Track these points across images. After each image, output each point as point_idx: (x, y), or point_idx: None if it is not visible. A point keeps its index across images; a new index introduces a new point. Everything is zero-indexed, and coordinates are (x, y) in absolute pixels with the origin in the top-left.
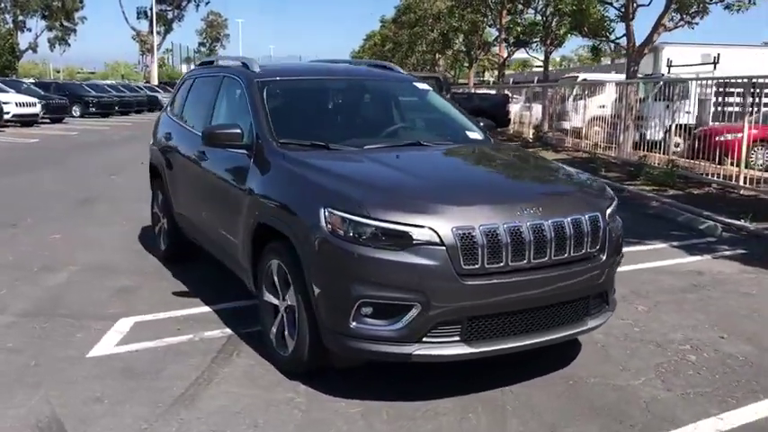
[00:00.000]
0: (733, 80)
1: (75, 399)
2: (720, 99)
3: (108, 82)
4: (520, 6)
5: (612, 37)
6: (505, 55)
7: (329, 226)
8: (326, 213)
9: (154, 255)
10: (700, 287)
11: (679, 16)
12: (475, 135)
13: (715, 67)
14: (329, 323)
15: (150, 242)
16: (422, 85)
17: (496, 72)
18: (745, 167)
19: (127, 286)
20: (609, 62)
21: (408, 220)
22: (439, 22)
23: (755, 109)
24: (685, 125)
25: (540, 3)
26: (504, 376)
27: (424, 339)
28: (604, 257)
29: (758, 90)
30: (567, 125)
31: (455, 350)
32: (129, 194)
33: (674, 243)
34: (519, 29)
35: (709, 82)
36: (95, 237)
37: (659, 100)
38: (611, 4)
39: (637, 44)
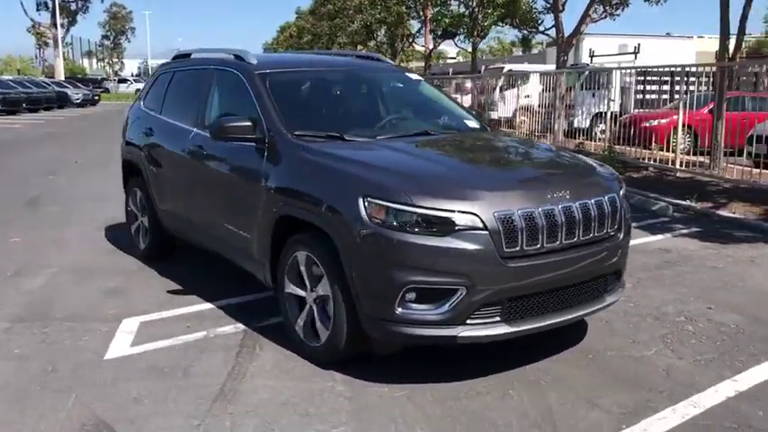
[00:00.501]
0: (652, 69)
1: (113, 401)
2: (642, 87)
3: (7, 77)
4: None
5: (542, 28)
6: (431, 46)
7: (370, 215)
8: (366, 203)
9: (129, 254)
10: (672, 263)
11: (602, 8)
12: (473, 123)
13: (636, 57)
14: (373, 310)
15: (122, 241)
16: (414, 76)
17: (422, 64)
18: (671, 151)
19: (115, 287)
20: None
21: (451, 207)
22: (361, 14)
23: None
24: (609, 112)
25: None
26: (527, 354)
27: (468, 321)
28: (621, 237)
29: (678, 78)
30: (495, 115)
31: (497, 330)
32: (75, 194)
33: (634, 224)
34: (447, 20)
35: (632, 71)
36: (58, 238)
37: (585, 89)
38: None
39: (565, 35)
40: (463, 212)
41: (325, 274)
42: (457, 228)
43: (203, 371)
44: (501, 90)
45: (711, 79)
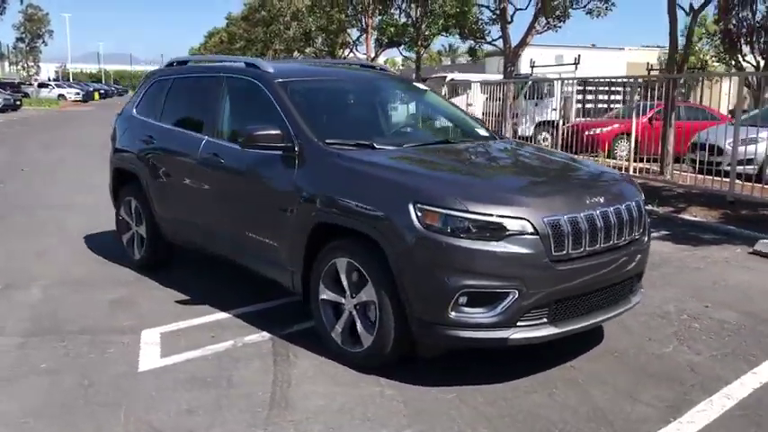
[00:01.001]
0: (593, 80)
1: (166, 413)
2: (582, 97)
3: None
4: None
5: (488, 39)
6: (373, 54)
7: (422, 221)
8: (416, 209)
9: (121, 264)
10: (654, 265)
11: (545, 20)
12: (483, 132)
13: (576, 68)
14: (424, 315)
15: (107, 251)
16: (421, 85)
17: None
18: (611, 158)
19: (119, 298)
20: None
21: (503, 212)
22: (298, 21)
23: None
24: (552, 121)
25: (408, 4)
26: (556, 355)
27: (519, 324)
28: (645, 240)
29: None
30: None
31: (545, 331)
32: (33, 204)
33: None
34: (392, 29)
35: (573, 81)
36: (37, 250)
37: (528, 98)
38: (488, 7)
39: (512, 46)
40: (515, 218)
41: (369, 280)
42: (509, 233)
43: (246, 379)
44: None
45: (649, 90)
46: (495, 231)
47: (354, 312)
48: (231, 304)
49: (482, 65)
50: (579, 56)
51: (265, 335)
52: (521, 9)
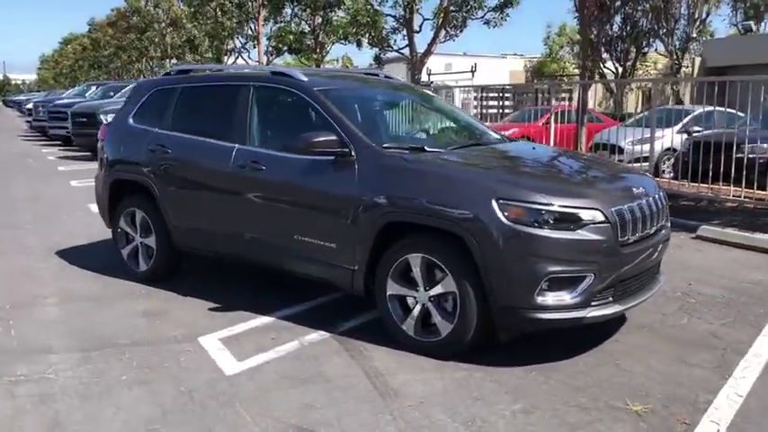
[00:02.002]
0: (490, 87)
1: (288, 409)
2: (480, 103)
3: None
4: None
5: (395, 47)
6: (265, 61)
7: (506, 215)
8: (500, 205)
9: (120, 277)
10: None
11: (444, 31)
12: (495, 134)
13: (473, 76)
14: (511, 301)
15: (95, 265)
16: (429, 91)
17: None
18: None
19: (148, 310)
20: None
21: (579, 204)
22: (174, 27)
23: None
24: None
25: (306, 12)
26: (596, 332)
27: (592, 303)
28: (669, 226)
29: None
30: None
31: (611, 309)
32: None
33: None
34: (291, 37)
35: (470, 88)
36: (16, 269)
37: None
38: (394, 17)
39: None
40: (589, 209)
41: (449, 273)
42: (584, 222)
43: (338, 374)
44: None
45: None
46: (574, 221)
47: (429, 304)
48: (266, 308)
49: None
50: (475, 64)
51: (323, 333)
52: (428, 19)
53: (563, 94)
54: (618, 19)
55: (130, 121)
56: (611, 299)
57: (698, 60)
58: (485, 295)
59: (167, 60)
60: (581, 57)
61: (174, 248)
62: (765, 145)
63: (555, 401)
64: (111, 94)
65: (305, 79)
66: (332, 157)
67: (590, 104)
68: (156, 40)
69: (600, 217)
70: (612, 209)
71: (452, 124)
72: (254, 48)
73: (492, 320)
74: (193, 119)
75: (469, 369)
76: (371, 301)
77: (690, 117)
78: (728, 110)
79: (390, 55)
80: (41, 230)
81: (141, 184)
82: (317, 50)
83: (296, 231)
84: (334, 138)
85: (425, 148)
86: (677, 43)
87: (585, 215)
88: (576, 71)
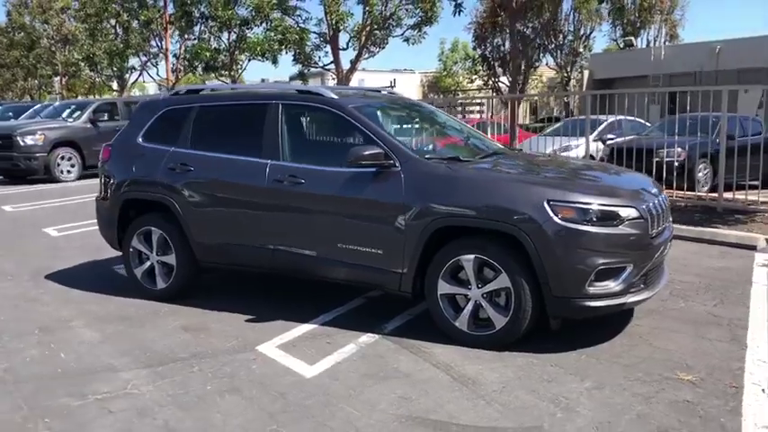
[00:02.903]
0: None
1: (388, 402)
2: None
3: None
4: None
5: (321, 64)
6: (173, 79)
7: (559, 215)
8: (551, 206)
9: (132, 297)
10: None
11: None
12: (498, 144)
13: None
14: (565, 292)
15: (98, 287)
16: (431, 106)
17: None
18: None
19: (185, 326)
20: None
21: (618, 203)
22: (70, 45)
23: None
24: None
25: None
26: (613, 319)
27: (630, 290)
28: (671, 221)
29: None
30: None
31: (644, 295)
32: None
33: None
34: (208, 54)
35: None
36: (16, 294)
37: None
38: (319, 34)
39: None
40: (627, 207)
41: (503, 271)
42: (624, 219)
43: (412, 369)
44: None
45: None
46: (615, 218)
47: (482, 301)
48: (302, 316)
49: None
50: (394, 80)
51: (372, 335)
52: (353, 38)
53: (475, 107)
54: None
55: (140, 140)
56: (642, 286)
57: (586, 73)
58: (539, 288)
59: (58, 78)
60: (510, 73)
61: (194, 265)
62: (679, 149)
63: (616, 378)
64: (10, 114)
65: (336, 97)
66: (373, 169)
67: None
68: (45, 57)
69: (635, 213)
70: (643, 206)
71: (465, 135)
72: (157, 65)
73: (542, 311)
74: (216, 137)
75: (526, 357)
76: (417, 301)
77: (603, 125)
78: (637, 119)
79: (313, 70)
80: (10, 257)
81: (159, 203)
82: (232, 67)
83: (340, 240)
84: (380, 151)
85: (460, 157)
86: (566, 58)
87: (624, 212)
88: (471, 85)
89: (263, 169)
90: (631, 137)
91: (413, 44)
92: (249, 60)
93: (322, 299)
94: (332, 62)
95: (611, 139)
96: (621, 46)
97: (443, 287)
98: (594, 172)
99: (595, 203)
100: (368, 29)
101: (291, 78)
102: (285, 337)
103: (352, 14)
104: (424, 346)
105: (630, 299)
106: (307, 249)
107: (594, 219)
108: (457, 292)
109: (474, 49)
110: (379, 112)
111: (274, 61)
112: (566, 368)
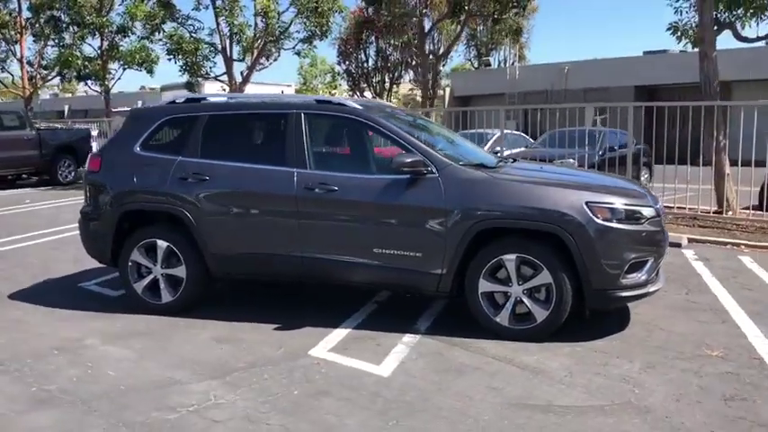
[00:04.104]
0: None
1: (491, 393)
2: None
3: None
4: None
5: (213, 75)
6: (27, 86)
7: (597, 215)
8: (589, 207)
9: (139, 313)
10: None
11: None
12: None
13: None
14: (603, 285)
15: (93, 305)
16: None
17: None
18: None
19: (215, 338)
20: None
21: (641, 203)
22: None
23: None
24: None
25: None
26: (627, 312)
27: (650, 281)
28: None
29: None
30: None
31: (658, 285)
32: None
33: None
34: (80, 62)
35: None
36: (4, 316)
37: None
38: (212, 44)
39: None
40: (648, 207)
41: (545, 268)
42: (647, 217)
43: (476, 363)
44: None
45: None
46: (641, 217)
47: (522, 297)
48: (330, 321)
49: (157, 98)
50: (282, 91)
51: (413, 335)
52: (250, 50)
53: None
54: (372, 54)
55: (137, 149)
56: (656, 277)
57: (448, 90)
58: (578, 283)
59: None
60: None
61: (205, 277)
62: (571, 159)
63: (657, 358)
64: None
65: (360, 107)
66: (408, 176)
67: None
68: None
69: (653, 213)
70: (657, 206)
71: (466, 143)
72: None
73: (579, 303)
74: (231, 146)
75: (569, 346)
76: (453, 300)
77: (493, 139)
78: (522, 134)
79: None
80: None
81: (169, 214)
82: (104, 77)
83: (376, 245)
84: (420, 158)
85: (484, 164)
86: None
87: (645, 212)
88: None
89: (291, 178)
90: (522, 149)
91: (303, 57)
92: (124, 69)
93: (334, 304)
94: (224, 73)
95: (498, 152)
96: (476, 66)
97: (484, 285)
98: (603, 176)
99: (625, 204)
100: (260, 41)
101: (163, 88)
102: (329, 341)
103: (250, 26)
104: (468, 342)
105: (651, 288)
106: (340, 255)
107: (625, 218)
108: (497, 290)
109: (338, 63)
110: (405, 123)
111: (150, 71)
112: (608, 353)
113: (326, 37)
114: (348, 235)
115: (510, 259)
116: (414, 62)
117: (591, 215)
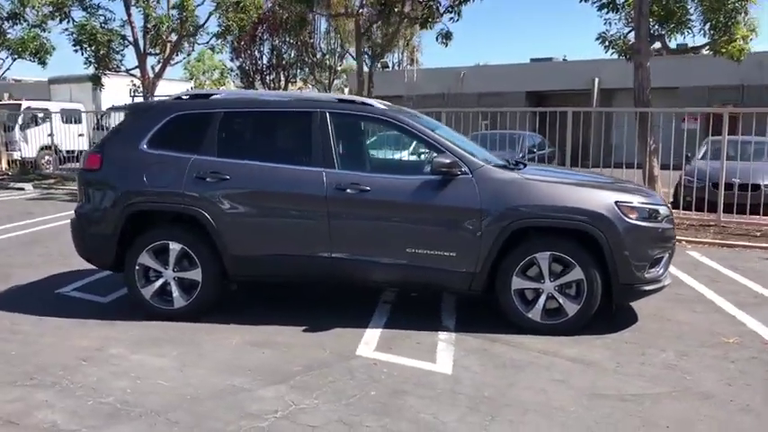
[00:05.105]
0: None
1: (558, 386)
2: None
3: None
4: None
5: (123, 68)
6: None
7: (626, 214)
8: (618, 207)
9: (133, 320)
10: None
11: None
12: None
13: None
14: (629, 279)
15: (76, 312)
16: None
17: None
18: None
19: (251, 342)
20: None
21: (657, 202)
22: None
23: None
24: None
25: None
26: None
27: (664, 275)
28: None
29: None
30: (17, 155)
31: (669, 279)
32: None
33: None
34: None
35: None
36: (5, 328)
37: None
38: (124, 36)
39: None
40: (662, 205)
41: (577, 265)
42: (663, 216)
43: (520, 360)
44: (22, 129)
45: None
46: (659, 215)
47: (554, 293)
48: (348, 322)
49: (48, 92)
50: (192, 87)
51: (447, 333)
52: (169, 41)
53: None
54: (267, 51)
55: (144, 147)
56: (667, 272)
57: (347, 90)
58: (608, 278)
59: None
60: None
61: (223, 280)
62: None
63: (683, 347)
64: None
65: (385, 107)
66: (440, 177)
67: None
68: None
69: (666, 211)
70: (667, 206)
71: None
72: None
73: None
74: (252, 144)
75: (598, 338)
76: (466, 297)
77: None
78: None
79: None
80: None
81: (184, 214)
82: None
83: (408, 245)
84: (455, 160)
85: (509, 165)
86: (323, 75)
87: (661, 210)
88: None
89: (320, 178)
90: None
91: (218, 53)
92: (14, 60)
93: (346, 305)
94: (136, 67)
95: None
96: (369, 67)
97: (517, 283)
98: (621, 180)
99: (646, 203)
100: (175, 35)
101: (51, 81)
102: (368, 342)
103: (170, 18)
104: (503, 338)
105: (665, 282)
106: (371, 255)
107: (647, 216)
108: (529, 287)
109: (231, 60)
110: (428, 125)
111: (42, 62)
112: (638, 343)
113: (244, 32)
114: (380, 235)
115: (544, 257)
116: (310, 61)
117: (621, 214)
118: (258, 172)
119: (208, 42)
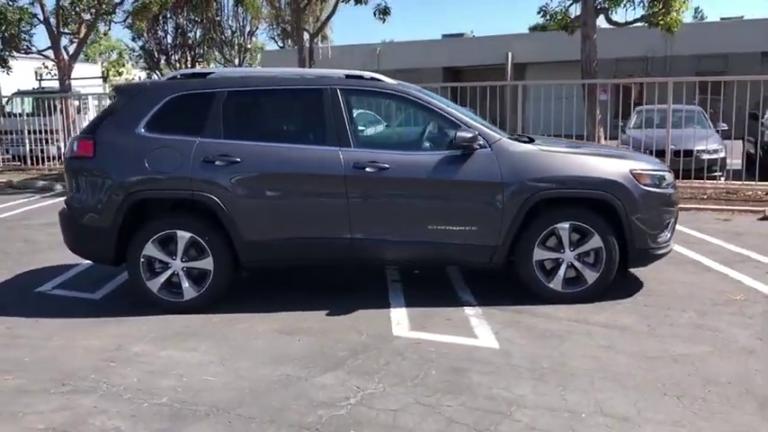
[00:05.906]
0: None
1: (603, 353)
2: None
3: None
4: None
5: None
6: None
7: (640, 181)
8: (633, 175)
9: (143, 315)
10: None
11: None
12: None
13: (105, 81)
14: (645, 244)
15: (71, 311)
16: None
17: None
18: None
19: (280, 330)
20: None
21: (665, 169)
22: None
23: None
24: None
25: None
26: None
27: (671, 239)
28: None
29: None
30: None
31: (673, 243)
32: None
33: None
34: None
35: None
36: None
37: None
38: (34, 15)
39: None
40: (667, 172)
41: (595, 233)
42: (669, 182)
43: (559, 329)
44: None
45: None
46: (665, 181)
47: (574, 261)
48: (367, 303)
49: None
50: (107, 69)
51: (471, 308)
52: (86, 22)
53: None
54: (171, 30)
55: (141, 131)
56: (672, 236)
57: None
58: (625, 244)
59: None
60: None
61: (235, 268)
62: None
63: (698, 306)
64: None
65: (396, 83)
66: (460, 152)
67: None
68: None
69: (671, 177)
70: (670, 171)
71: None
72: None
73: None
74: (261, 125)
75: (618, 303)
76: (504, 270)
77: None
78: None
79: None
80: None
81: (194, 201)
82: None
83: (430, 222)
84: (475, 134)
85: (523, 138)
86: (233, 53)
87: (667, 177)
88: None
89: (337, 157)
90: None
91: (136, 31)
92: None
93: (351, 286)
94: (48, 48)
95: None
96: (281, 45)
97: (538, 254)
98: (620, 150)
99: (655, 170)
100: (90, 14)
101: None
102: (399, 322)
103: None
104: (528, 309)
105: (672, 246)
106: (392, 234)
107: (658, 182)
108: (549, 257)
109: (133, 40)
110: (440, 100)
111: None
112: (657, 306)
113: (166, 9)
114: (402, 213)
115: (564, 228)
116: (219, 39)
117: (636, 181)
118: (271, 153)
119: (125, 20)
